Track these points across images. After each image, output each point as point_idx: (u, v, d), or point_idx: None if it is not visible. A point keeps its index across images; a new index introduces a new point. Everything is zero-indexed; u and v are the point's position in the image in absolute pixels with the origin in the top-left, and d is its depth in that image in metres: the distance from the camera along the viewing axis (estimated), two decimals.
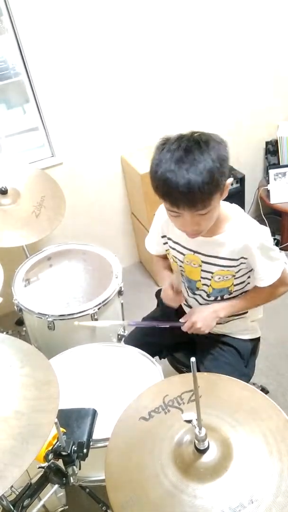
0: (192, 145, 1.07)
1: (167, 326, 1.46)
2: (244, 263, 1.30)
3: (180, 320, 1.43)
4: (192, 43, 2.39)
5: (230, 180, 1.16)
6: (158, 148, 1.12)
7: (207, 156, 1.06)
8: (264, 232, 1.28)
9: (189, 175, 1.05)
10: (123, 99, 2.37)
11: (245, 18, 2.44)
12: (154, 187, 1.14)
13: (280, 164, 2.84)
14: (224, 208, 1.29)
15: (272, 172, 2.78)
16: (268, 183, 2.81)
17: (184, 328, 1.41)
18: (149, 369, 1.44)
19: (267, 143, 2.87)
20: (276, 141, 2.81)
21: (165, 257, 1.64)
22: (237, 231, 1.27)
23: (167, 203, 1.13)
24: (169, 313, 1.62)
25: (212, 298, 1.40)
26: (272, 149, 2.86)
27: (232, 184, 1.18)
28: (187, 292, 1.48)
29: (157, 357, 1.64)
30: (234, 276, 1.33)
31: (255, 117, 2.79)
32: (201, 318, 1.37)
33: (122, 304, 1.91)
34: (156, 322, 1.54)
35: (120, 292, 1.84)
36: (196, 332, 1.40)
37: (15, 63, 2.18)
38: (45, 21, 2.02)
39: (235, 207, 1.32)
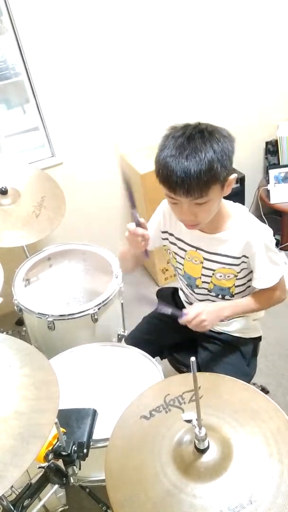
0: (196, 133, 1.09)
1: (169, 312, 1.34)
2: (246, 262, 1.30)
3: (183, 310, 1.32)
4: (192, 44, 2.39)
5: (234, 175, 1.16)
6: (165, 135, 1.14)
7: (209, 146, 1.07)
8: (267, 232, 1.28)
9: (187, 162, 1.06)
10: (123, 99, 2.37)
11: (245, 18, 2.44)
12: (156, 172, 1.15)
13: (280, 164, 2.84)
14: (228, 206, 1.29)
15: (272, 172, 2.79)
16: (268, 183, 2.81)
17: (188, 317, 1.28)
18: (149, 369, 1.44)
19: (267, 143, 2.87)
20: (276, 141, 2.81)
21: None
22: (240, 229, 1.27)
23: (165, 188, 1.15)
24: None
25: (213, 294, 1.40)
26: (272, 149, 2.86)
27: (237, 182, 1.18)
28: (187, 289, 1.48)
29: (157, 358, 1.64)
30: (236, 276, 1.33)
31: (255, 117, 2.79)
32: (207, 311, 1.28)
33: (122, 304, 1.91)
34: (160, 305, 1.40)
35: (120, 292, 1.84)
36: (198, 327, 1.29)
37: (15, 63, 2.18)
38: (45, 21, 2.02)
39: (239, 206, 1.32)
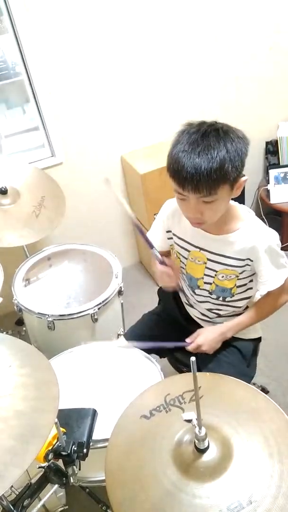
0: (211, 131, 1.09)
1: (172, 347, 1.46)
2: (249, 265, 1.30)
3: (186, 340, 1.44)
4: (190, 43, 2.39)
5: (245, 178, 1.16)
6: (180, 130, 1.14)
7: (222, 145, 1.07)
8: (273, 236, 1.28)
9: (199, 159, 1.06)
10: (123, 99, 2.37)
11: (244, 18, 2.44)
12: (167, 166, 1.15)
13: (280, 164, 2.84)
14: (236, 208, 1.30)
15: (272, 172, 2.78)
16: (268, 183, 2.81)
17: (189, 349, 1.42)
18: (149, 369, 1.44)
19: (267, 143, 2.87)
20: (276, 141, 2.81)
21: (166, 256, 1.64)
22: (246, 232, 1.27)
23: (175, 183, 1.14)
24: (170, 309, 1.62)
25: (214, 296, 1.40)
26: (272, 149, 2.86)
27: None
28: (188, 290, 1.48)
29: (157, 357, 1.64)
30: (238, 277, 1.32)
31: (255, 117, 2.78)
32: (208, 341, 1.39)
33: (122, 304, 1.91)
34: (161, 343, 1.50)
35: (120, 292, 1.84)
36: (200, 352, 1.41)
37: (15, 63, 2.18)
38: (45, 21, 2.02)
39: (246, 208, 1.32)
